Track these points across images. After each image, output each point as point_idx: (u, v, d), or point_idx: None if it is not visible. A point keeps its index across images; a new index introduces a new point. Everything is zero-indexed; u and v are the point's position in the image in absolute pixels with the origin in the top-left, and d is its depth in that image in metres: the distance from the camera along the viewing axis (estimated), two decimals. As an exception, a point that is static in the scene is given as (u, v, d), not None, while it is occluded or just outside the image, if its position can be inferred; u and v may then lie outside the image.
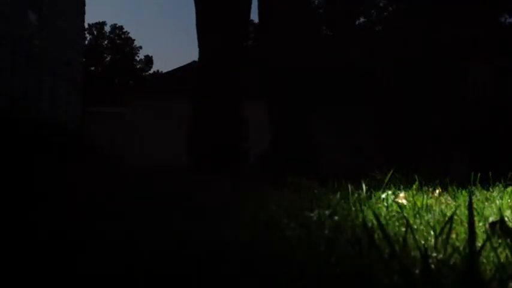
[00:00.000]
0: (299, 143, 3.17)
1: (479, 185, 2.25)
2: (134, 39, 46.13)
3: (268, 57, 3.31)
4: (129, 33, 46.26)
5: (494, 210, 1.58)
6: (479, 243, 0.86)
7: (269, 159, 3.21)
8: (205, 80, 3.27)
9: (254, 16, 3.59)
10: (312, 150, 3.20)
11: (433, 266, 0.76)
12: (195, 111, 3.27)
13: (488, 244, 0.88)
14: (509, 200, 1.80)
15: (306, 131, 3.24)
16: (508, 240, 0.98)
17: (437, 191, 2.10)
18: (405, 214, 1.35)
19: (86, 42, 39.44)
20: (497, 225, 1.17)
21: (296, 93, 3.21)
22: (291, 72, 3.19)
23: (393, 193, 1.83)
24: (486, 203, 1.77)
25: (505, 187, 2.24)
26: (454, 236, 1.08)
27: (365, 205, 1.56)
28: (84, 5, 22.22)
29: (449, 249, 0.88)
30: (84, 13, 22.29)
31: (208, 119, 3.23)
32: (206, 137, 3.21)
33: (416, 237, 1.00)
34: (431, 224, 1.21)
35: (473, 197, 1.93)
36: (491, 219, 1.35)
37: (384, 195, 1.77)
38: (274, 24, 3.23)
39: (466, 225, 1.16)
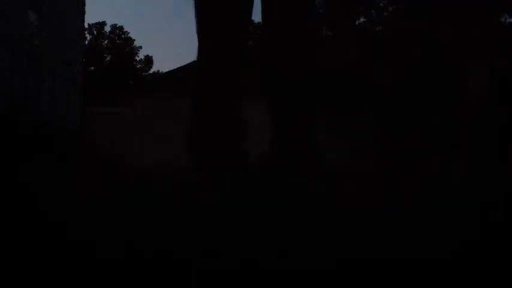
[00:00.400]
0: (299, 143, 3.16)
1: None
2: (134, 39, 46.10)
3: (270, 56, 3.30)
4: (129, 33, 46.23)
5: None
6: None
7: (269, 159, 3.21)
8: (205, 80, 3.26)
9: (257, 16, 3.58)
10: (313, 149, 3.20)
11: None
12: (195, 111, 3.26)
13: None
14: None
15: (306, 131, 3.23)
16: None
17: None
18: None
19: (86, 42, 39.43)
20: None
21: (297, 92, 3.20)
22: (293, 71, 3.18)
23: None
24: None
25: None
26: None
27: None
28: (84, 5, 22.24)
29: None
30: (84, 13, 22.31)
31: (208, 119, 3.22)
32: (206, 137, 3.20)
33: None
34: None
35: None
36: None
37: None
38: (276, 23, 3.23)
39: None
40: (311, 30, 3.41)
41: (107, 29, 45.93)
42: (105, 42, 45.58)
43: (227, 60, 3.21)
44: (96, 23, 45.21)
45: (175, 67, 22.50)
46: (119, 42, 45.66)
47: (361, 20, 23.21)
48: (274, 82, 3.26)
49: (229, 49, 3.18)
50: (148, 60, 46.70)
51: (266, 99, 3.33)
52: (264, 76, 3.40)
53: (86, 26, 36.14)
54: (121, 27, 46.12)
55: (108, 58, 45.16)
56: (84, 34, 28.16)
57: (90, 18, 57.97)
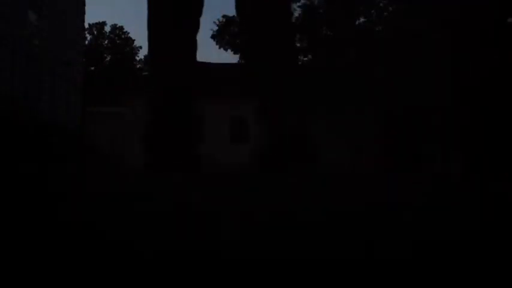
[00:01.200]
0: (296, 142, 3.16)
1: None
2: (134, 39, 46.18)
3: (257, 57, 3.29)
4: (129, 33, 46.32)
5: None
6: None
7: (268, 159, 3.20)
8: (157, 83, 3.26)
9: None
10: (310, 149, 3.20)
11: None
12: (150, 113, 3.28)
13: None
14: None
15: (303, 130, 3.23)
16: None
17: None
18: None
19: (86, 42, 39.44)
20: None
21: (292, 92, 3.19)
22: (284, 72, 3.18)
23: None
24: None
25: None
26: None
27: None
28: (84, 5, 22.25)
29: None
30: (84, 13, 22.32)
31: (161, 122, 3.23)
32: (160, 139, 3.23)
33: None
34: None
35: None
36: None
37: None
38: (256, 24, 3.22)
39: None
40: (291, 31, 3.41)
41: (107, 29, 45.96)
42: (105, 42, 45.58)
43: (178, 62, 3.19)
44: (96, 23, 45.24)
45: (175, 67, 22.46)
46: (119, 42, 45.67)
47: (361, 20, 23.21)
48: (263, 82, 3.25)
49: (180, 50, 3.15)
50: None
51: (259, 100, 3.31)
52: (255, 77, 3.39)
53: (86, 26, 36.15)
54: (121, 27, 46.14)
55: (108, 58, 45.16)
56: (84, 34, 28.16)
57: (90, 18, 57.98)
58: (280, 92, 3.18)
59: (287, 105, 3.18)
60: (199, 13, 3.28)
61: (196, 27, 3.28)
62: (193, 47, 3.28)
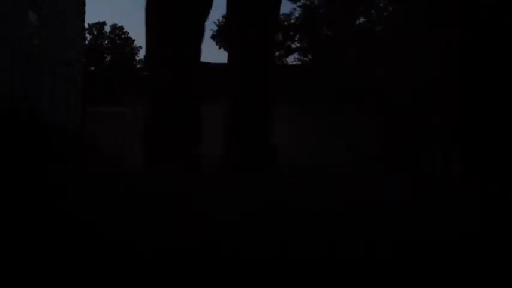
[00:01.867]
0: (256, 145, 3.17)
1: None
2: (134, 39, 46.12)
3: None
4: (129, 33, 46.26)
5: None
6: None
7: (228, 159, 3.22)
8: (158, 82, 3.27)
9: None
10: (270, 150, 3.22)
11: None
12: (150, 112, 3.29)
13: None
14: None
15: (263, 132, 3.25)
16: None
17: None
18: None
19: (86, 42, 39.43)
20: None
21: (252, 94, 3.20)
22: (239, 79, 3.19)
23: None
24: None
25: None
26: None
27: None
28: (84, 5, 22.25)
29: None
30: (84, 13, 22.32)
31: (162, 122, 3.25)
32: (159, 139, 3.24)
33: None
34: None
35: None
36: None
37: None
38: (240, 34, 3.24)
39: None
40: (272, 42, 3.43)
41: (107, 29, 45.95)
42: (105, 42, 45.58)
43: (181, 61, 3.19)
44: (96, 23, 45.23)
45: (175, 67, 22.45)
46: (119, 42, 45.66)
47: (361, 20, 23.22)
48: (232, 88, 3.27)
49: (183, 51, 3.16)
50: (148, 60, 46.52)
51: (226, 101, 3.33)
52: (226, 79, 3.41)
53: (86, 26, 36.11)
54: (121, 27, 46.12)
55: (108, 58, 45.15)
56: (84, 34, 28.15)
57: (90, 18, 57.90)
58: (237, 97, 3.20)
59: (244, 109, 3.20)
60: (206, 15, 3.29)
61: (201, 31, 3.30)
62: (197, 48, 3.30)
